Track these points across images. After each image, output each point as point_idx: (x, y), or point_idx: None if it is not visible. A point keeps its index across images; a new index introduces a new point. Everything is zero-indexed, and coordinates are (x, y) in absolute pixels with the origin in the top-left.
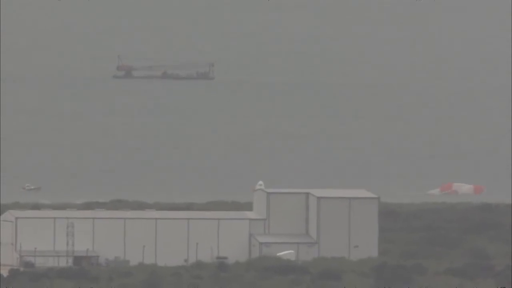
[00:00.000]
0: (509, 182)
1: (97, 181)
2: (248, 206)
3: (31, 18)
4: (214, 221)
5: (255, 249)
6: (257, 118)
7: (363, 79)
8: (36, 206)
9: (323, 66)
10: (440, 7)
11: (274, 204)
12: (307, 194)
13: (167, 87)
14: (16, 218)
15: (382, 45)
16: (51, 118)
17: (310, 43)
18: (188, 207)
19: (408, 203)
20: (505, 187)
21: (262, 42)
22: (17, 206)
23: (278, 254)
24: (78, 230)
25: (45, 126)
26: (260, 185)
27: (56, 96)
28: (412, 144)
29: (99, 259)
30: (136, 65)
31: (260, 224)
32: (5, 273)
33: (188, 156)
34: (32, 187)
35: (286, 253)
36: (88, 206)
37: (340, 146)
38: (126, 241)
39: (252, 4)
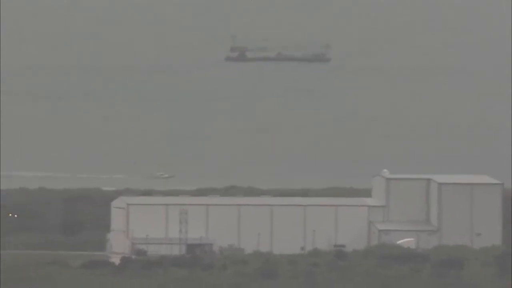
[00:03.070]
0: None
1: (211, 167)
2: (367, 193)
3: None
4: (331, 208)
5: (374, 237)
6: (374, 103)
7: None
8: (148, 192)
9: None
10: None
11: (394, 191)
12: (428, 180)
13: (280, 69)
14: (128, 205)
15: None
16: (165, 106)
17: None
18: (305, 193)
19: None
20: None
21: (384, 24)
22: (128, 192)
23: (398, 242)
24: (192, 217)
25: (159, 114)
26: (385, 173)
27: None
28: None
29: (213, 247)
30: (250, 46)
31: (379, 211)
32: (116, 261)
33: (305, 141)
34: (166, 176)
35: (406, 241)
36: (201, 192)
37: (459, 131)
38: (241, 228)
39: None
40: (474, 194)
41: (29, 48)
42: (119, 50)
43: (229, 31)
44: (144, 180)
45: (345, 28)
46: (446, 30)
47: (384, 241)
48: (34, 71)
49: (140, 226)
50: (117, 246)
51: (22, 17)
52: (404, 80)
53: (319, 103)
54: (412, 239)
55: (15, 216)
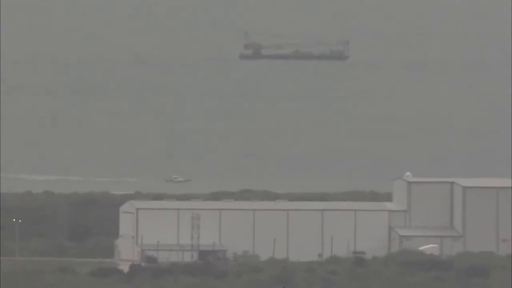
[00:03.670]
0: None
1: (225, 169)
2: (387, 197)
3: None
4: (350, 212)
5: (395, 243)
6: (394, 101)
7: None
8: (159, 196)
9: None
10: None
11: (415, 194)
12: (452, 183)
13: (297, 68)
14: (137, 209)
15: None
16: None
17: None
18: (323, 197)
19: None
20: None
21: (403, 19)
22: (138, 196)
23: (420, 248)
24: (204, 222)
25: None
26: (408, 176)
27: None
28: None
29: (227, 254)
30: (265, 43)
31: (401, 216)
32: (125, 268)
33: (322, 143)
34: (181, 179)
35: (429, 247)
36: (214, 196)
37: (479, 133)
38: (256, 234)
39: None
40: (500, 198)
41: (29, 44)
42: (126, 46)
43: (242, 27)
44: (157, 184)
45: (359, 24)
46: (448, 29)
47: (405, 248)
48: (34, 67)
49: (150, 232)
50: (126, 253)
51: (18, 12)
52: (416, 78)
53: (336, 102)
54: (435, 245)
55: (20, 221)
